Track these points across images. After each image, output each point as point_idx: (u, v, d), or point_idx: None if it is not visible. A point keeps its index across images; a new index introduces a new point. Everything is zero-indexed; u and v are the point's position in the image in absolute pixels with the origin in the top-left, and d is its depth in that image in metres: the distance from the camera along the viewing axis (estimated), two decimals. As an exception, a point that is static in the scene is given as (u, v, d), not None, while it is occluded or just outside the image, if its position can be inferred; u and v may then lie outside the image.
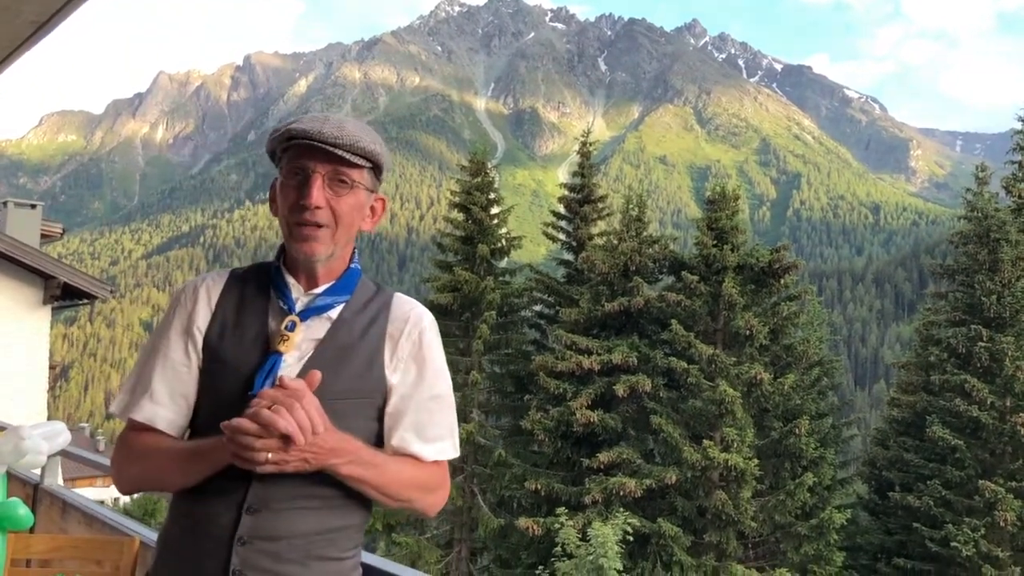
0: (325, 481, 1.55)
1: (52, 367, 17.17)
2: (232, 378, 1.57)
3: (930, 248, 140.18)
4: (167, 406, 1.61)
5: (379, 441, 1.64)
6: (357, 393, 1.59)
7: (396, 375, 1.62)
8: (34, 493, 3.81)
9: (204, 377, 1.61)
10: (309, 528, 1.56)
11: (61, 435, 2.63)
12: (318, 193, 1.54)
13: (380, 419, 1.63)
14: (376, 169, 1.64)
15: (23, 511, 1.81)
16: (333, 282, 1.63)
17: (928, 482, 20.39)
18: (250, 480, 1.52)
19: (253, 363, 1.57)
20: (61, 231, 20.18)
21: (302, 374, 1.53)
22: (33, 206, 17.85)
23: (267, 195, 1.68)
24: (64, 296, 15.58)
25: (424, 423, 1.64)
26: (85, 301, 16.61)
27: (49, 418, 16.44)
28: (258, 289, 1.64)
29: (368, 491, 1.56)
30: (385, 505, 1.63)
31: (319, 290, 1.61)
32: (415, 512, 1.66)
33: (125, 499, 34.63)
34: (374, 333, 1.62)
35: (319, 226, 1.56)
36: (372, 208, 1.67)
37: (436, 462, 1.66)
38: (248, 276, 1.68)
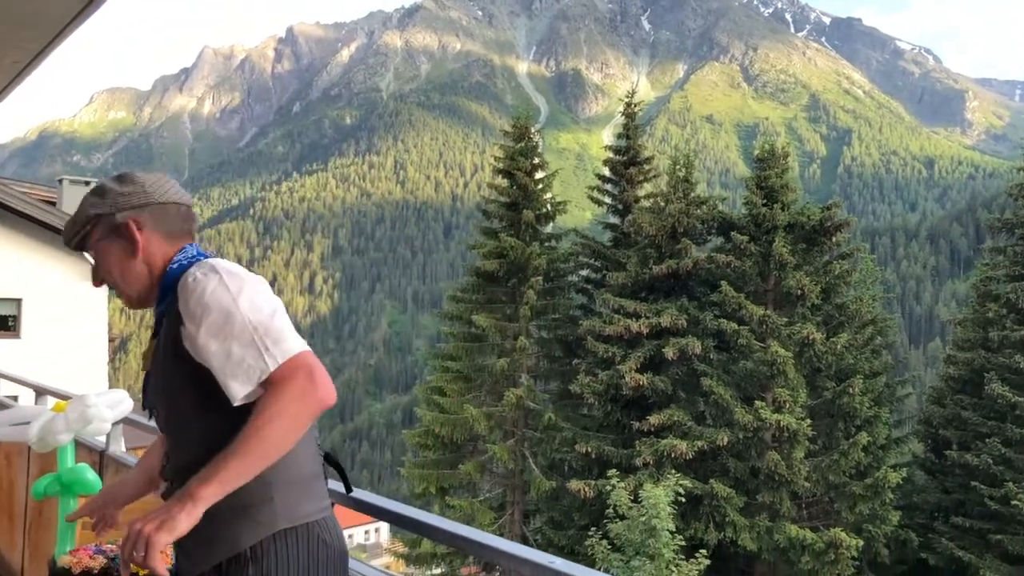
0: (186, 439, 1.78)
1: (111, 340, 17.63)
2: None
3: (987, 202, 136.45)
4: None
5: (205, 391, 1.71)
6: (176, 375, 1.72)
7: (188, 342, 1.68)
8: (100, 459, 3.93)
9: None
10: (190, 464, 1.67)
11: (124, 403, 2.71)
12: (95, 277, 1.89)
13: (190, 380, 1.71)
14: (102, 215, 1.81)
15: (92, 476, 1.90)
16: (159, 296, 1.83)
17: (987, 440, 20.08)
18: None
19: None
20: (115, 207, 20.58)
21: (146, 379, 1.83)
22: (87, 183, 18.25)
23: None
24: (120, 270, 15.93)
25: (229, 364, 1.62)
26: (141, 275, 16.98)
27: (111, 388, 16.95)
28: None
29: (251, 476, 1.56)
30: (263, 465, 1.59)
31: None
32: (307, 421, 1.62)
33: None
34: (171, 320, 1.74)
35: (116, 291, 1.85)
36: (123, 244, 1.82)
37: (267, 383, 1.62)
38: None
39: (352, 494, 2.07)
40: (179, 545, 1.67)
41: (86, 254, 1.85)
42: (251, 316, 1.64)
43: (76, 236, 1.82)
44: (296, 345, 1.64)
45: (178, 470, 1.77)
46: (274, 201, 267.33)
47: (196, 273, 1.70)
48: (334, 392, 1.63)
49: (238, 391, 1.62)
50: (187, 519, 1.50)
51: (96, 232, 1.82)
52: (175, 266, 1.78)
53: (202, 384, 1.68)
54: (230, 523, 1.67)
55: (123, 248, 1.81)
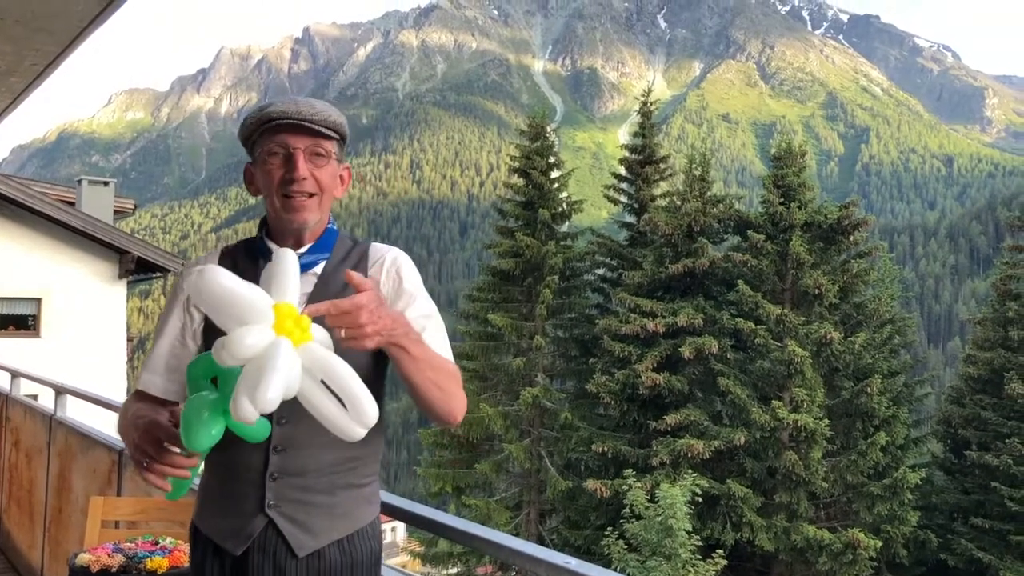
0: None
1: (129, 339, 17.74)
2: None
3: (1007, 200, 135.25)
4: (162, 375, 1.80)
5: (381, 376, 1.80)
6: None
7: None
8: (119, 458, 3.96)
9: (208, 345, 1.73)
10: (331, 460, 1.73)
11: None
12: (303, 166, 1.72)
13: (377, 358, 1.76)
14: (342, 141, 1.82)
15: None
16: (313, 243, 1.79)
17: (1007, 440, 19.92)
18: (272, 424, 1.67)
19: None
20: (133, 207, 20.73)
21: None
22: (106, 183, 18.38)
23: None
24: (138, 270, 16.06)
25: (422, 336, 1.72)
26: (158, 274, 17.10)
27: (128, 390, 17.02)
28: (248, 259, 1.81)
29: (419, 372, 1.62)
30: (429, 398, 1.67)
31: (302, 250, 1.77)
32: (449, 411, 1.72)
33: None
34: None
35: (308, 195, 1.74)
36: (341, 177, 1.84)
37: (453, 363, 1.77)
38: (237, 250, 1.86)
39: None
40: (298, 521, 1.71)
41: (297, 146, 1.72)
42: (438, 313, 1.82)
43: (335, 127, 1.77)
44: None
45: (298, 435, 1.72)
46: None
47: (397, 252, 1.83)
48: None
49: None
50: (397, 339, 1.55)
51: (334, 147, 1.79)
52: (333, 225, 1.85)
53: (375, 356, 1.74)
54: (353, 499, 1.75)
55: (337, 178, 1.82)
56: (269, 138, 1.74)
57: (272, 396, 1.35)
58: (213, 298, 1.44)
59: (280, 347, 1.39)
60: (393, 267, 1.79)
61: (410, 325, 1.61)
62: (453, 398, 1.71)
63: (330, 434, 1.59)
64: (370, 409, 1.43)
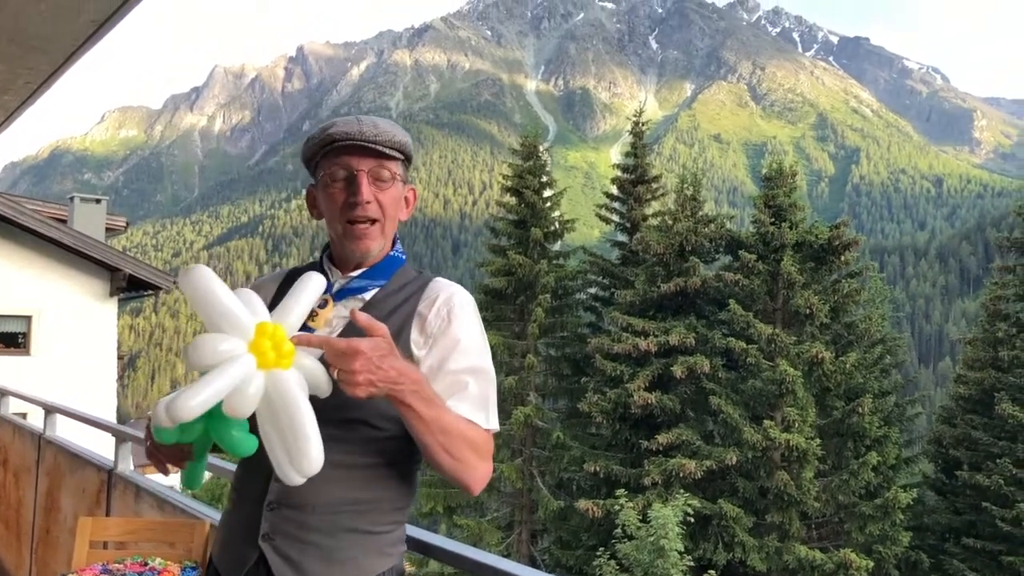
0: (352, 451, 1.59)
1: (120, 357, 17.65)
2: None
3: (996, 221, 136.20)
4: None
5: None
6: None
7: (424, 351, 1.64)
8: (108, 478, 3.93)
9: None
10: (334, 498, 1.58)
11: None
12: (367, 189, 1.65)
13: None
14: (406, 161, 1.74)
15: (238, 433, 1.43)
16: (369, 268, 1.72)
17: (998, 460, 19.93)
18: None
19: None
20: (125, 224, 20.71)
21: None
22: (98, 201, 18.37)
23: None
24: (130, 287, 16.02)
25: (458, 394, 1.61)
26: (150, 292, 17.06)
27: (118, 408, 16.93)
28: None
29: (427, 434, 1.51)
30: (439, 462, 1.56)
31: (355, 274, 1.71)
32: (463, 481, 1.60)
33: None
34: (403, 312, 1.67)
35: (371, 221, 1.67)
36: (406, 198, 1.78)
37: (484, 430, 1.63)
38: (302, 271, 1.76)
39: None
40: (290, 559, 1.58)
41: (362, 168, 1.66)
42: (489, 367, 1.68)
43: (400, 147, 1.69)
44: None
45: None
46: (283, 219, 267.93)
47: (457, 290, 1.72)
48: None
49: (482, 421, 1.63)
50: (401, 396, 1.44)
51: (399, 167, 1.72)
52: (400, 253, 1.77)
53: None
54: (359, 546, 1.61)
55: (402, 200, 1.75)
56: (332, 160, 1.67)
57: (190, 406, 1.28)
58: (195, 300, 1.40)
59: (234, 364, 1.33)
60: (445, 307, 1.67)
61: (423, 383, 1.49)
62: (467, 467, 1.58)
63: (339, 469, 1.53)
64: (314, 458, 1.36)
